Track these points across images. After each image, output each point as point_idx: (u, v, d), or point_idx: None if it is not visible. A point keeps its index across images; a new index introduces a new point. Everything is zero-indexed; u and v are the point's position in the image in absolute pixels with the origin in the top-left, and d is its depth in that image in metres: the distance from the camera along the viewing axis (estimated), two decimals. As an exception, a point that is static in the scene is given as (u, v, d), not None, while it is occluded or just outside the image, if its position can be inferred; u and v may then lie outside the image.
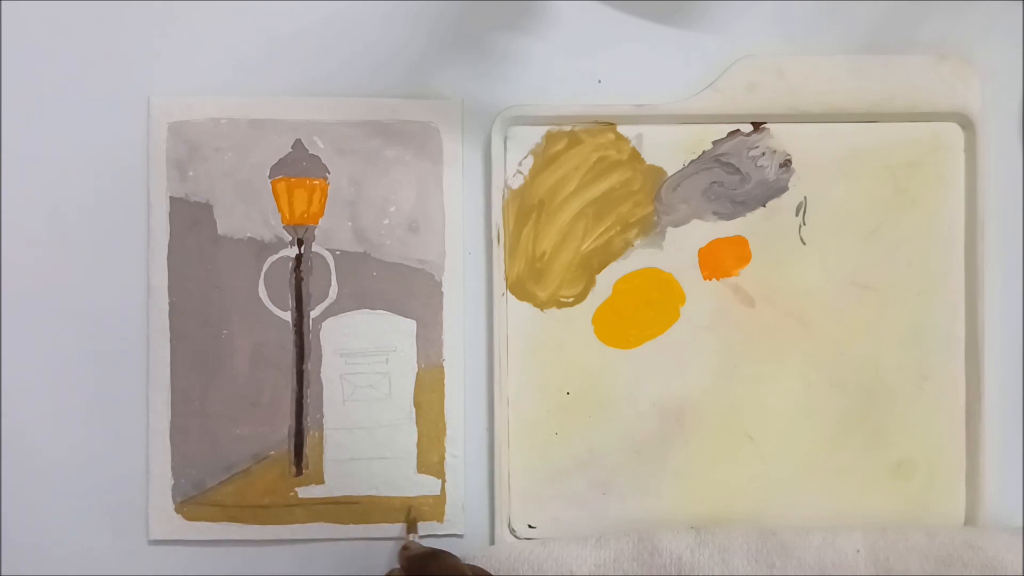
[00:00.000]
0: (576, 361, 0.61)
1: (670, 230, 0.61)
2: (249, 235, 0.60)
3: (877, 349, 0.61)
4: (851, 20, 0.61)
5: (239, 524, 0.59)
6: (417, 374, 0.60)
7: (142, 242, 0.60)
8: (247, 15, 0.60)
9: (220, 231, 0.60)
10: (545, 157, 0.61)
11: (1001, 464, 0.61)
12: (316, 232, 0.60)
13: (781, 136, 0.61)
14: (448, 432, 0.60)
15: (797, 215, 0.61)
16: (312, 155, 0.60)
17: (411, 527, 0.59)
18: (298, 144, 0.60)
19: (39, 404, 0.60)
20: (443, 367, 0.60)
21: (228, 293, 0.60)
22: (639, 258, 0.61)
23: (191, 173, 0.60)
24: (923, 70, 0.60)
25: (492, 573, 0.56)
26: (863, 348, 0.61)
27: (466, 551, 0.59)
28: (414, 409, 0.60)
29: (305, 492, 0.60)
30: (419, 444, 0.60)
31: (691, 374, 0.61)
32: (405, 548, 0.57)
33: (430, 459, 0.60)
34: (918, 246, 0.61)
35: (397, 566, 0.57)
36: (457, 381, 0.60)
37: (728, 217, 0.61)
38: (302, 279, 0.60)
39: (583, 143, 0.61)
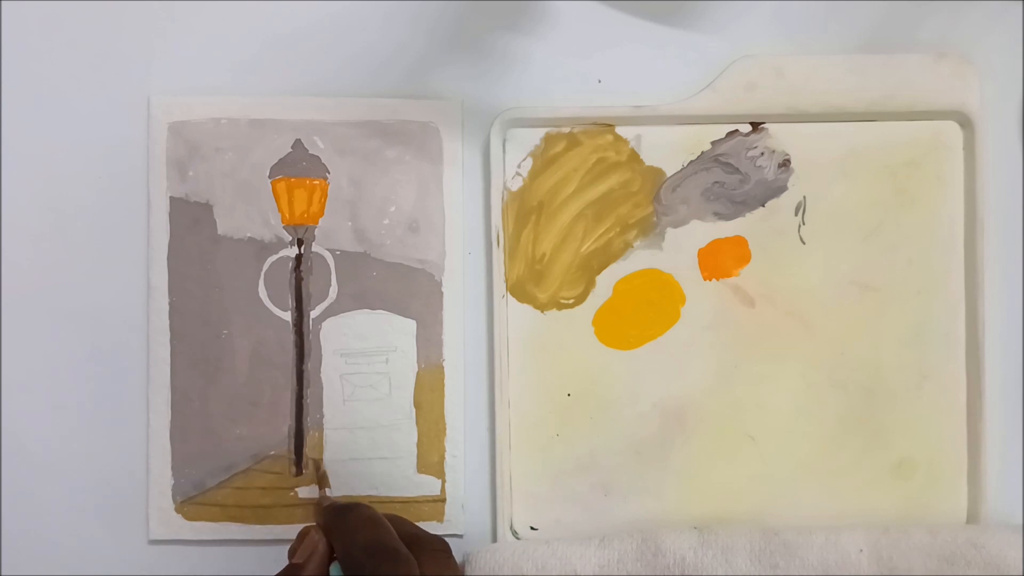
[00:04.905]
0: (577, 362, 0.61)
1: (670, 231, 0.61)
2: (249, 235, 0.60)
3: (877, 349, 0.61)
4: (850, 20, 0.61)
5: (239, 524, 0.59)
6: (417, 374, 0.60)
7: (142, 242, 0.60)
8: (247, 15, 0.60)
9: (220, 231, 0.60)
10: (544, 159, 0.61)
11: (1002, 462, 0.60)
12: (316, 232, 0.60)
13: (780, 136, 0.61)
14: (448, 432, 0.60)
15: (796, 215, 0.61)
16: (312, 155, 0.60)
17: (322, 484, 0.58)
18: (298, 144, 0.60)
19: (39, 404, 0.60)
20: (443, 367, 0.60)
21: (228, 293, 0.60)
22: (639, 259, 0.61)
23: (191, 173, 0.60)
24: (922, 69, 0.60)
25: (489, 568, 0.56)
26: (863, 348, 0.61)
27: (467, 551, 0.59)
28: (414, 409, 0.60)
29: (305, 492, 0.60)
30: (419, 444, 0.60)
31: (692, 374, 0.61)
32: (318, 503, 0.55)
33: (430, 459, 0.60)
34: (918, 246, 0.61)
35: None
36: (457, 381, 0.60)
37: (727, 217, 0.61)
38: (302, 279, 0.60)
39: (582, 145, 0.61)
